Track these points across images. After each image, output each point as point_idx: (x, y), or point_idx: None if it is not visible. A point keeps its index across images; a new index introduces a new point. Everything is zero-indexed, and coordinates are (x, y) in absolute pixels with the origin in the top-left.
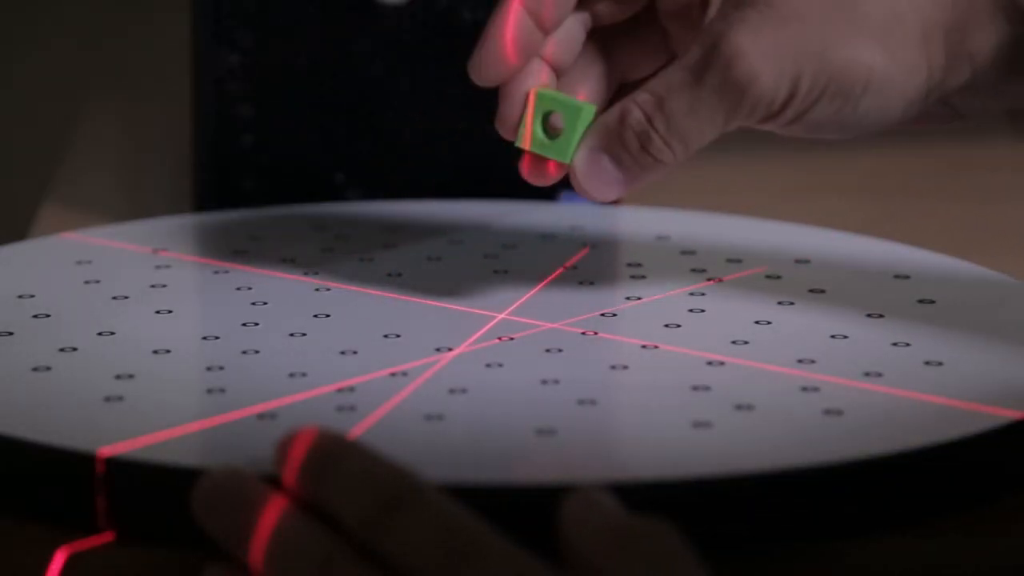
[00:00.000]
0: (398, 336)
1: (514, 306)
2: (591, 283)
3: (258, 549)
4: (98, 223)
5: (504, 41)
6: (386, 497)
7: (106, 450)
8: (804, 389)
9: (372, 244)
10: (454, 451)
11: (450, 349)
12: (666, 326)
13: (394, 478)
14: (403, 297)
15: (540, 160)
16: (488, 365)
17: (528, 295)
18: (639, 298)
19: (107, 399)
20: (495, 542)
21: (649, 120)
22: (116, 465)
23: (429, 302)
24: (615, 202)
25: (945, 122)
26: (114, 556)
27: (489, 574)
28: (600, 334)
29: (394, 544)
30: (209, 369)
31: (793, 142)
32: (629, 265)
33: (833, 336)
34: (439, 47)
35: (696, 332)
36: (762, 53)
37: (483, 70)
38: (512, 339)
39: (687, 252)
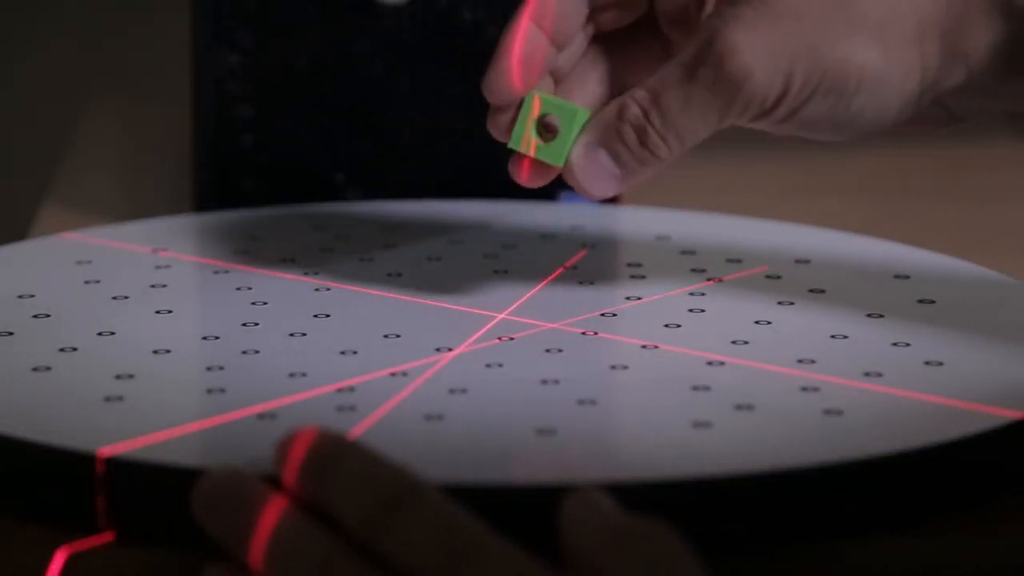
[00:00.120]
0: (398, 336)
1: (514, 306)
2: (591, 283)
3: (258, 549)
4: (98, 223)
5: (522, 62)
6: (386, 497)
7: (106, 450)
8: (804, 389)
9: (372, 244)
10: (454, 451)
11: (450, 349)
12: (666, 326)
13: (394, 478)
14: (403, 297)
15: (539, 163)
16: (488, 365)
17: (528, 295)
18: (639, 298)
19: (107, 399)
20: (495, 542)
21: (645, 115)
22: (116, 465)
23: (429, 302)
24: (612, 200)
25: (941, 125)
26: (114, 556)
27: (489, 574)
28: (600, 334)
29: (394, 544)
30: (209, 369)
31: (793, 142)
32: (629, 265)
33: (833, 336)
34: (439, 47)
35: (696, 332)
36: (756, 50)
37: (500, 91)
38: (512, 339)
39: (687, 252)
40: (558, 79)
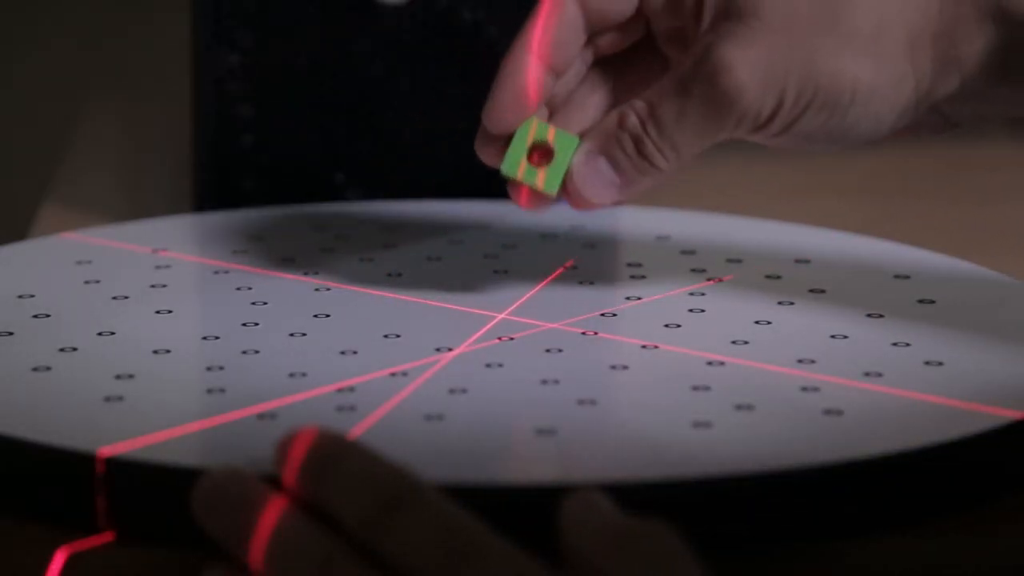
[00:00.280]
0: (398, 336)
1: (514, 306)
2: (591, 283)
3: (258, 549)
4: (98, 223)
5: (522, 91)
6: (386, 497)
7: (106, 450)
8: (804, 389)
9: (372, 244)
10: (454, 451)
11: (450, 349)
12: (666, 326)
13: (394, 478)
14: (403, 297)
15: (524, 188)
16: (488, 365)
17: (528, 295)
18: (639, 298)
19: (107, 399)
20: (495, 542)
21: (643, 125)
22: (116, 465)
23: (429, 302)
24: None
25: (938, 132)
26: (114, 556)
27: (489, 574)
28: (600, 334)
29: (394, 544)
30: (209, 369)
31: None
32: (629, 265)
33: (833, 336)
34: (439, 47)
35: (696, 332)
36: (749, 66)
37: (501, 121)
38: (512, 339)
39: (687, 252)
40: (556, 105)
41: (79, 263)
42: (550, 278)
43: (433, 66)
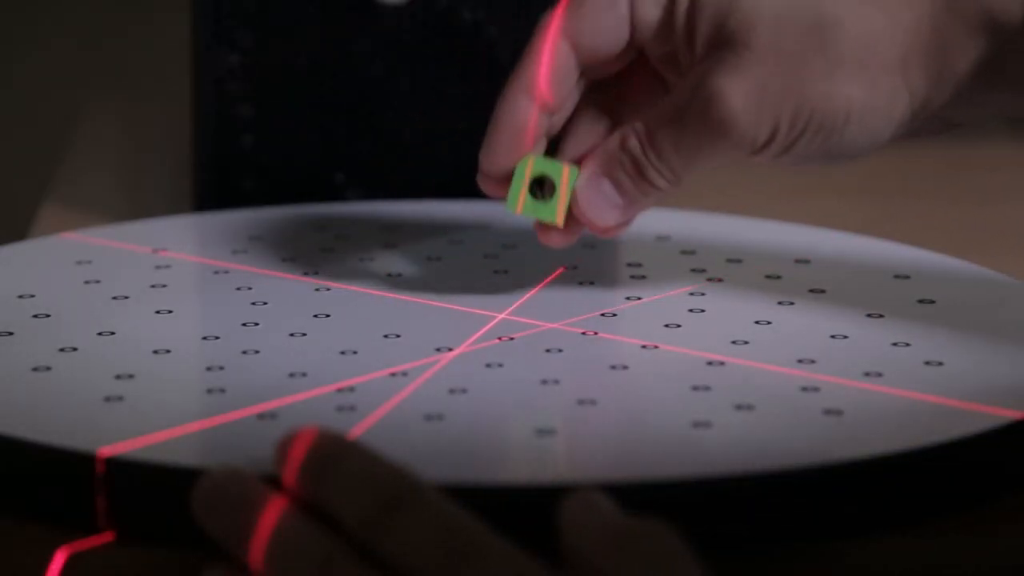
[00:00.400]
0: (398, 336)
1: (514, 306)
2: (591, 283)
3: (258, 549)
4: (98, 223)
5: (518, 134)
6: (386, 497)
7: (106, 450)
8: (804, 389)
9: (372, 244)
10: (454, 451)
11: (450, 349)
12: (666, 326)
13: (394, 478)
14: (403, 297)
15: (548, 226)
16: (488, 365)
17: (528, 295)
18: (639, 298)
19: (107, 399)
20: (495, 542)
21: (642, 149)
22: (116, 465)
23: (429, 302)
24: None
25: (936, 133)
26: (114, 556)
27: (489, 574)
28: (600, 334)
29: (394, 544)
30: (209, 369)
31: None
32: (629, 265)
33: (833, 336)
34: (439, 47)
35: (696, 332)
36: (742, 96)
37: (498, 164)
38: (512, 339)
39: (687, 252)
40: (553, 132)
41: (79, 263)
42: (550, 278)
43: (433, 66)
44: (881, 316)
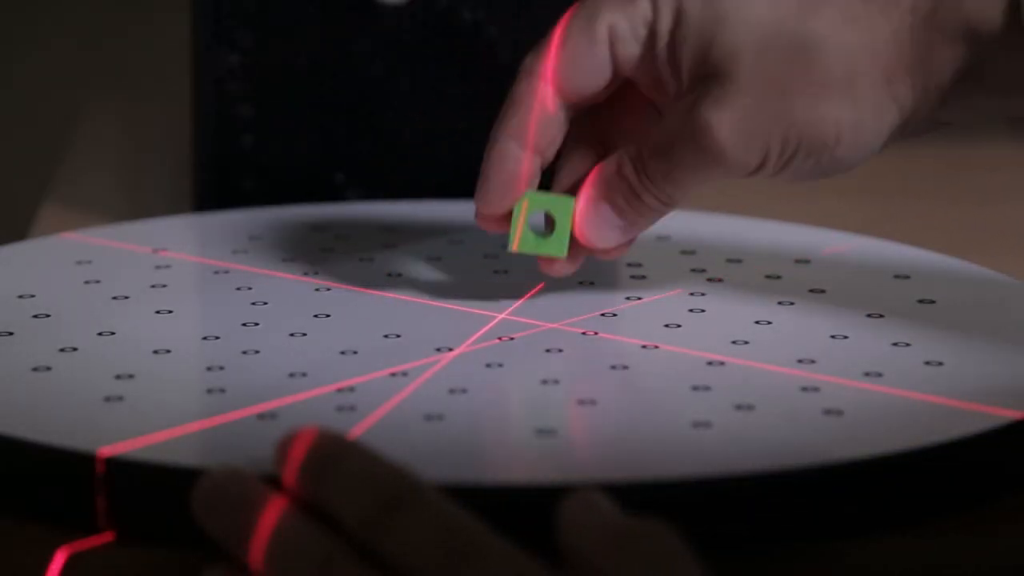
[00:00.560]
0: (398, 336)
1: (514, 306)
2: (591, 283)
3: (258, 549)
4: (98, 223)
5: (510, 179)
6: (386, 497)
7: (106, 450)
8: (804, 389)
9: (372, 244)
10: (454, 451)
11: (450, 349)
12: (666, 326)
13: (394, 478)
14: (403, 297)
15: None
16: (488, 365)
17: (528, 295)
18: (639, 298)
19: (107, 399)
20: (495, 542)
21: (637, 175)
22: (116, 465)
23: (429, 302)
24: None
25: (926, 132)
26: (114, 556)
27: (489, 574)
28: (600, 334)
29: (394, 544)
30: (209, 369)
31: None
32: (629, 265)
33: (833, 336)
34: (439, 47)
35: (696, 332)
36: (728, 127)
37: (493, 209)
38: (512, 339)
39: (687, 252)
40: (544, 166)
41: (79, 263)
42: None
43: (433, 66)
44: (881, 316)
